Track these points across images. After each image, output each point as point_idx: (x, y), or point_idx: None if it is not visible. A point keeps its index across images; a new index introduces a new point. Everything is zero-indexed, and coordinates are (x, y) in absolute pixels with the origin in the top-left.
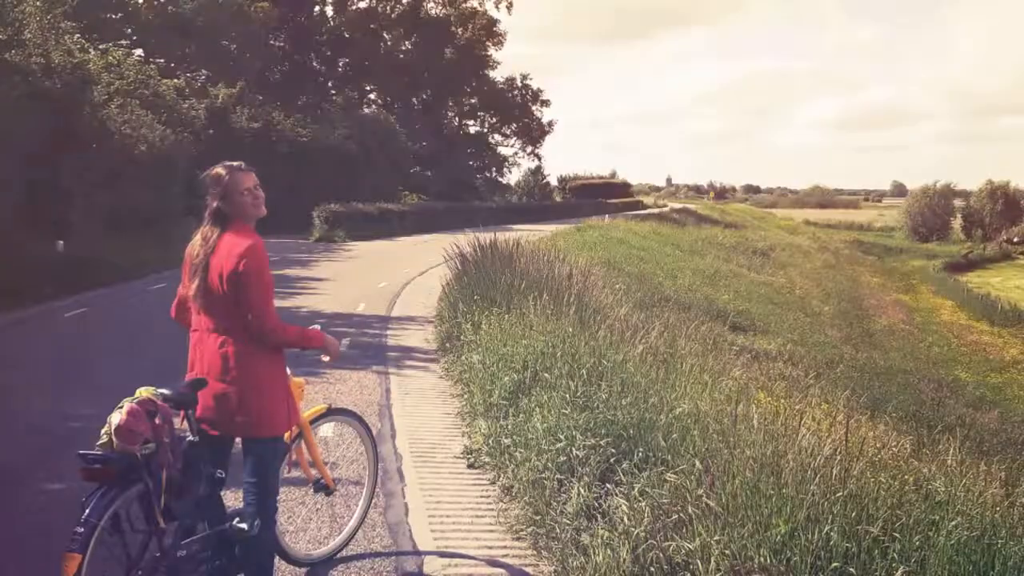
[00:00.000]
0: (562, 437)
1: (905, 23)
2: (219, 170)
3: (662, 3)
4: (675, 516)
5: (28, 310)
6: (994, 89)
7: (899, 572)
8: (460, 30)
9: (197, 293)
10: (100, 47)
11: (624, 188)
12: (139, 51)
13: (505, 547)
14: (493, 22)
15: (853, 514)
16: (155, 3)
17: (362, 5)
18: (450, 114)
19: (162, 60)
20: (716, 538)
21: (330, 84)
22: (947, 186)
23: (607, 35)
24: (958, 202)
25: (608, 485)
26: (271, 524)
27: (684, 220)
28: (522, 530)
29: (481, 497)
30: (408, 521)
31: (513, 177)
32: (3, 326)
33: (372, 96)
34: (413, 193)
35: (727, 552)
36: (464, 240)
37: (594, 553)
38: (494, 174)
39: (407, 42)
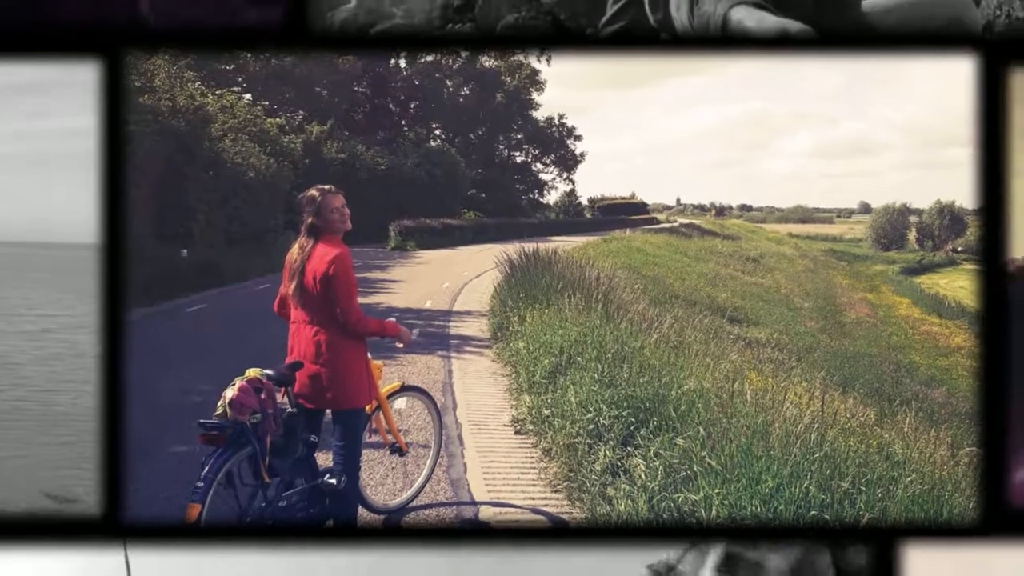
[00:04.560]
0: (591, 409)
1: (868, 74)
2: (313, 192)
3: (668, 59)
4: (683, 473)
5: (158, 306)
6: (942, 125)
7: (865, 518)
8: (509, 78)
9: (295, 292)
10: (216, 92)
11: (641, 207)
12: (248, 95)
13: (545, 498)
14: (535, 72)
15: (827, 471)
16: (261, 58)
17: (429, 59)
18: (500, 147)
19: (266, 103)
20: (716, 491)
21: (403, 122)
22: (904, 205)
23: (624, 83)
24: (913, 218)
25: (629, 448)
26: (355, 479)
27: (690, 233)
28: (559, 484)
29: (526, 458)
30: (467, 477)
31: (551, 198)
32: (138, 319)
33: (437, 132)
34: (471, 211)
35: (725, 502)
36: (512, 249)
37: (617, 503)
38: (536, 196)
39: (466, 88)
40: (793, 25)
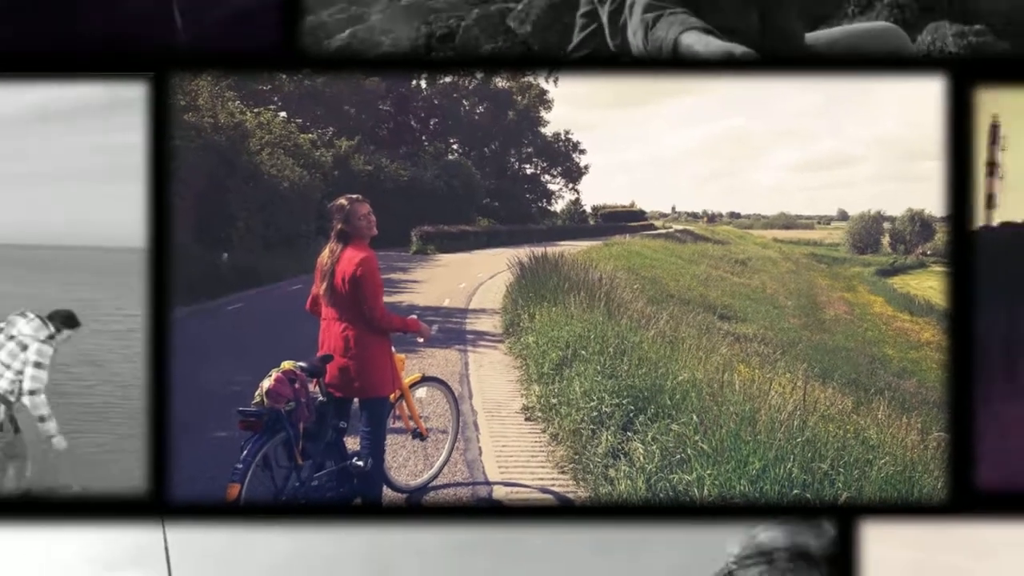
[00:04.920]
0: (594, 398)
1: (845, 94)
2: (342, 201)
3: (663, 80)
4: (678, 456)
5: (200, 305)
6: (913, 140)
7: (843, 497)
8: (520, 98)
9: (326, 292)
10: (254, 111)
11: (640, 214)
12: (283, 113)
13: (553, 479)
14: (544, 92)
15: (809, 454)
16: (294, 79)
17: (447, 80)
18: (512, 160)
19: (300, 120)
20: (708, 472)
21: (423, 137)
22: (878, 212)
23: (624, 103)
24: (886, 225)
25: (628, 433)
26: (380, 462)
27: (684, 238)
28: (565, 466)
29: (535, 442)
30: (481, 460)
31: (558, 206)
32: (182, 317)
33: (455, 146)
34: (485, 218)
35: (716, 482)
36: (522, 253)
37: (618, 483)
38: (544, 204)
39: (480, 107)
40: (738, 48)
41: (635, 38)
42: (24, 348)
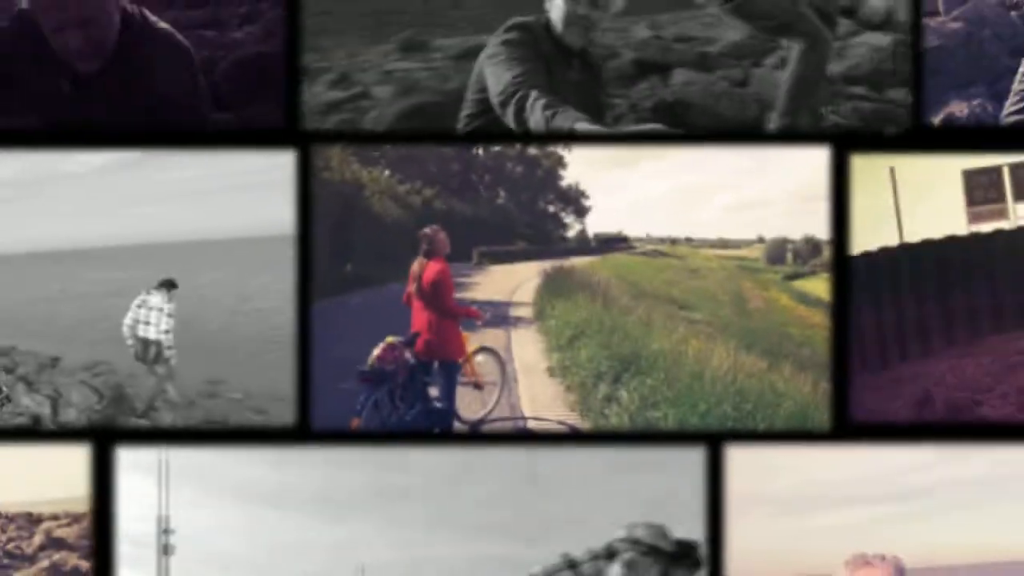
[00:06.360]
0: (594, 361)
1: (764, 157)
2: (427, 230)
3: (642, 146)
4: (650, 401)
5: (333, 300)
6: (809, 188)
7: (762, 426)
8: (545, 161)
9: (416, 291)
10: (367, 169)
11: (625, 239)
12: (387, 171)
13: (567, 415)
14: (562, 157)
15: (738, 400)
16: (394, 148)
17: (496, 148)
18: (540, 202)
19: (398, 175)
20: (671, 412)
21: (481, 188)
22: (785, 237)
23: (615, 164)
24: (790, 245)
25: (617, 385)
26: (452, 404)
27: (655, 255)
28: (575, 408)
29: (555, 391)
30: (520, 403)
31: (571, 234)
32: (320, 308)
33: (502, 194)
34: (522, 241)
35: (676, 419)
36: (547, 265)
37: (610, 419)
38: (561, 232)
39: (519, 167)
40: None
41: (538, 128)
42: (160, 310)
